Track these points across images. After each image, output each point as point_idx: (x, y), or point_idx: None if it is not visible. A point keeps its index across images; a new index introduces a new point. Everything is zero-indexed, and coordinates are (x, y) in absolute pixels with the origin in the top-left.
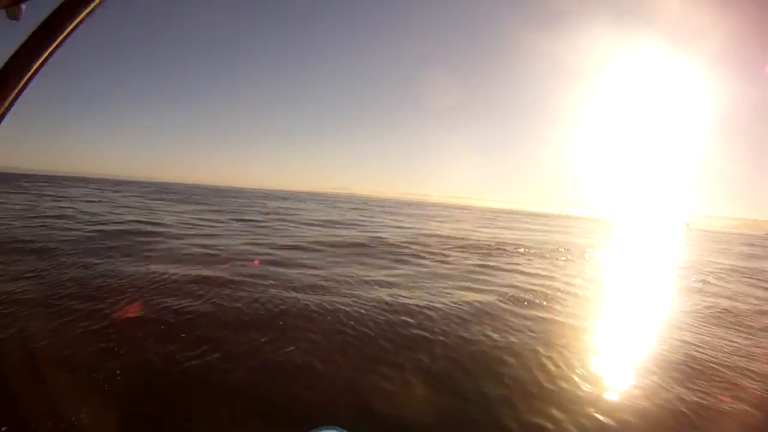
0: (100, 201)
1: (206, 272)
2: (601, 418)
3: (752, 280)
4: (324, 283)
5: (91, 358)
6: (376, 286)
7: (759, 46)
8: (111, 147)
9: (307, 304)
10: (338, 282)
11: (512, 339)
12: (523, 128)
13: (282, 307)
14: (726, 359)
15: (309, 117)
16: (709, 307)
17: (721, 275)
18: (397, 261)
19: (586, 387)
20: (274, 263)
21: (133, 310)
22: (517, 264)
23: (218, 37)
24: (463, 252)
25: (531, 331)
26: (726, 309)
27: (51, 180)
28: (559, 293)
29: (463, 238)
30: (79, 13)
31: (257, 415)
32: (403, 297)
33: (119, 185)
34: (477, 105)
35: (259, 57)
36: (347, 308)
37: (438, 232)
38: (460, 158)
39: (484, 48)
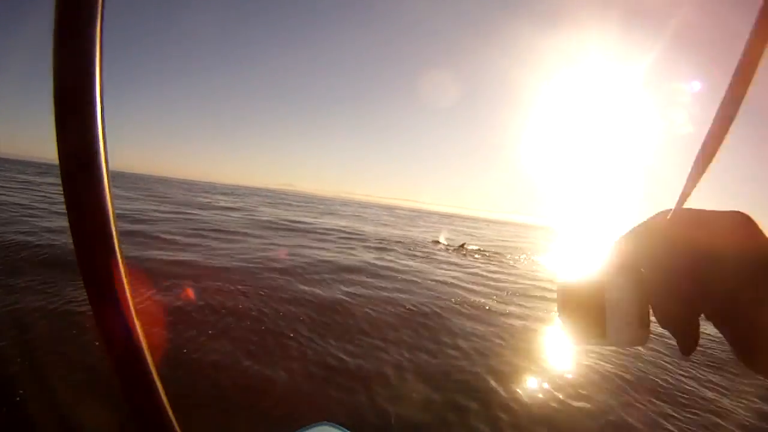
0: None
1: None
2: None
3: None
4: None
5: None
6: None
7: (692, 62)
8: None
9: None
10: None
11: None
12: (475, 133)
13: None
14: None
15: (254, 111)
16: None
17: None
18: None
19: None
20: None
21: None
22: None
23: (165, 29)
24: None
25: None
26: None
27: None
28: None
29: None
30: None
31: None
32: None
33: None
34: (427, 111)
35: (207, 46)
36: None
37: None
38: (405, 161)
39: (443, 52)
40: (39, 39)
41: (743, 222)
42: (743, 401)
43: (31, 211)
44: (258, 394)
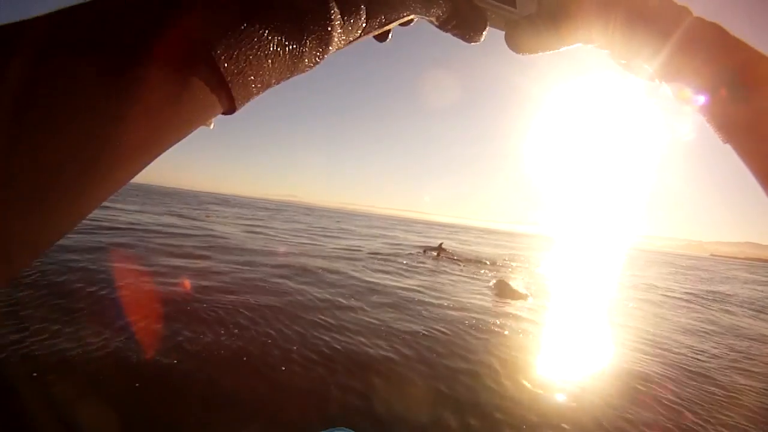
0: None
1: None
2: None
3: None
4: None
5: None
6: None
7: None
8: None
9: None
10: None
11: None
12: (475, 145)
13: None
14: None
15: (256, 119)
16: None
17: None
18: None
19: None
20: None
21: None
22: None
23: None
24: None
25: None
26: None
27: None
28: None
29: None
30: None
31: None
32: None
33: None
34: (430, 122)
35: None
36: None
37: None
38: (406, 172)
39: (447, 59)
40: None
41: None
42: None
43: None
44: None
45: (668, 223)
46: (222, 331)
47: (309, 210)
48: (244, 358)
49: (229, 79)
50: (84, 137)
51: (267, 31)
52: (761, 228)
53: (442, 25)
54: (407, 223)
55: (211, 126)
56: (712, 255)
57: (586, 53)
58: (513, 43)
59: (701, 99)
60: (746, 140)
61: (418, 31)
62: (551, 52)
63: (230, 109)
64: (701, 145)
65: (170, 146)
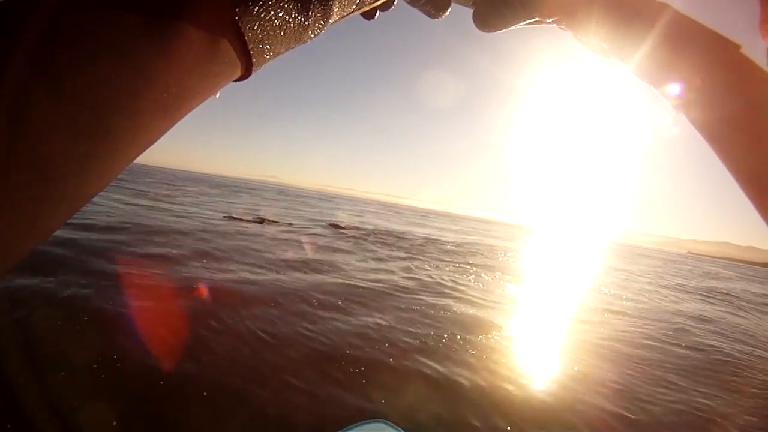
0: None
1: None
2: None
3: None
4: None
5: None
6: None
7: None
8: None
9: None
10: None
11: None
12: (455, 133)
13: None
14: None
15: (237, 97)
16: None
17: None
18: None
19: None
20: None
21: None
22: None
23: None
24: None
25: None
26: None
27: None
28: None
29: None
30: None
31: None
32: None
33: None
34: (414, 108)
35: None
36: None
37: None
38: (389, 157)
39: (426, 47)
40: None
41: None
42: None
43: None
44: None
45: (647, 218)
46: None
47: (288, 190)
48: None
49: (250, 46)
50: (115, 85)
51: (281, 5)
52: (738, 229)
53: (412, 1)
54: (374, 205)
55: (218, 95)
56: (689, 252)
57: (571, 46)
58: (480, 21)
59: (682, 94)
60: (726, 136)
61: (405, 18)
62: (518, 27)
63: (246, 75)
64: (683, 141)
65: (191, 109)
